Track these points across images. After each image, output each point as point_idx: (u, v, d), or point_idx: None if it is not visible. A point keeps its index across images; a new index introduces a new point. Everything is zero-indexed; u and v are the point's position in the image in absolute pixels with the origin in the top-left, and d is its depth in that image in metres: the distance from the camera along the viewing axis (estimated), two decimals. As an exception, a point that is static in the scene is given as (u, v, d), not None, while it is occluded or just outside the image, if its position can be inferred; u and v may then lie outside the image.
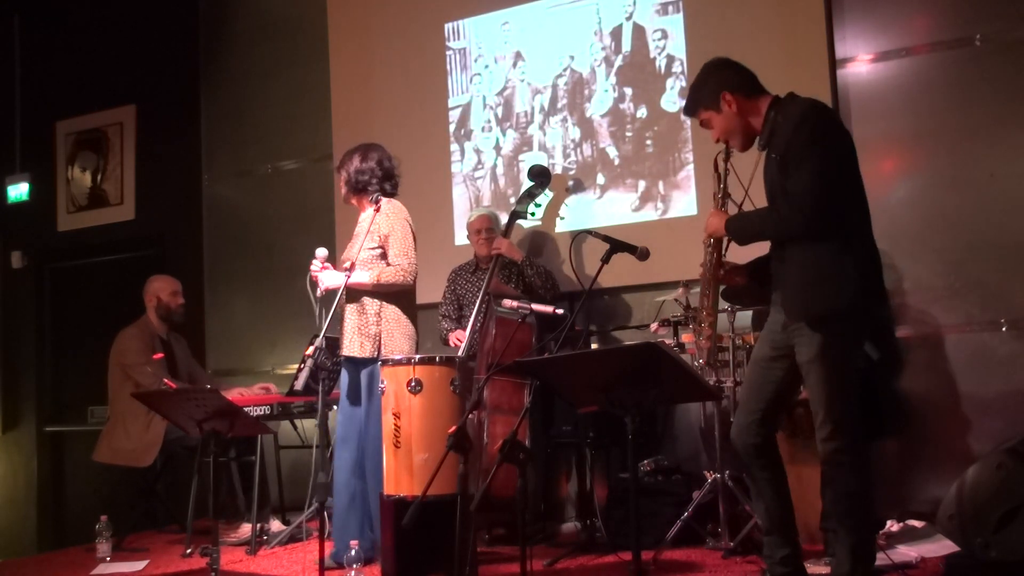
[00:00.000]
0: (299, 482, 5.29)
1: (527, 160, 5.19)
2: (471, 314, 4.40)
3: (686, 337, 4.04)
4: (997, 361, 4.21)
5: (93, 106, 6.81)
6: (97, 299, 6.70)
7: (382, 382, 3.54)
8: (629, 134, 5.05)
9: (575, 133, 5.19)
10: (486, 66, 5.46)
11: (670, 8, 4.96)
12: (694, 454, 4.52)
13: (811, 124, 2.77)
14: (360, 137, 5.49)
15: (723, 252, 3.03)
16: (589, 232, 3.47)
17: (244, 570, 4.03)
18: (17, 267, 7.02)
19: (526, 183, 4.89)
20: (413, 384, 3.44)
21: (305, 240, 5.90)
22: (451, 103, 5.54)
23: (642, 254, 3.32)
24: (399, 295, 3.91)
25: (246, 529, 4.60)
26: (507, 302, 3.95)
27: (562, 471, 4.96)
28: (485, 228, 4.76)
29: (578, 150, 5.18)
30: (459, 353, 4.09)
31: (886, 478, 4.25)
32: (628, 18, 5.09)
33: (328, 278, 3.78)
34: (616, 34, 5.12)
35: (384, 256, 3.90)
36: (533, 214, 4.74)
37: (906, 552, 3.47)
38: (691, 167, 4.87)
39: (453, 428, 2.73)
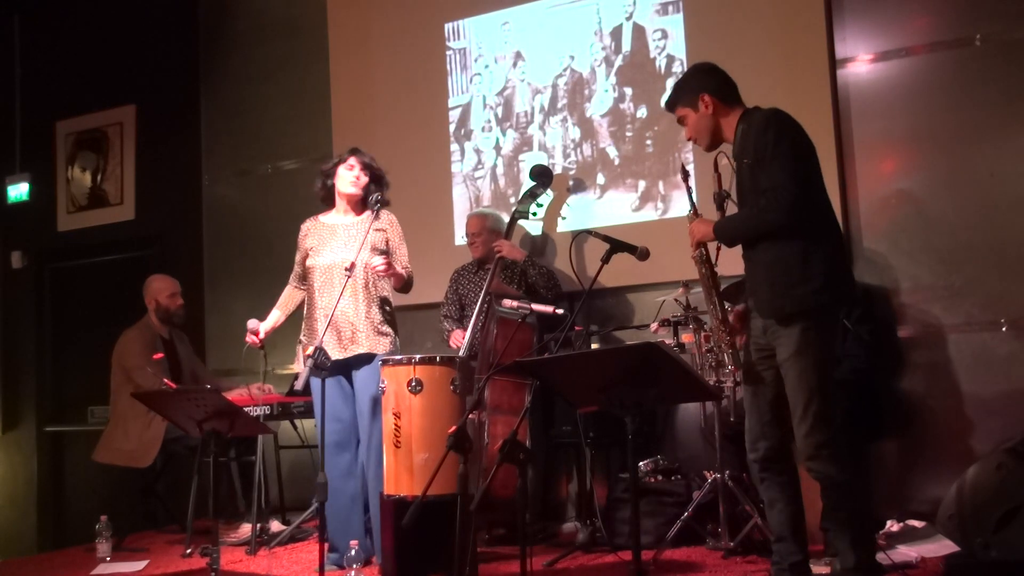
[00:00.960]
0: (299, 482, 5.29)
1: (527, 160, 5.20)
2: (473, 314, 4.40)
3: (686, 337, 4.04)
4: (997, 361, 4.21)
5: (93, 106, 6.81)
6: (97, 299, 6.70)
7: (382, 382, 3.54)
8: (629, 134, 5.05)
9: (575, 133, 5.19)
10: (486, 66, 5.46)
11: (670, 8, 4.96)
12: (694, 454, 4.52)
13: (775, 127, 2.91)
14: (360, 137, 5.51)
15: (715, 261, 3.12)
16: (589, 232, 3.47)
17: (244, 570, 4.03)
18: (17, 267, 7.02)
19: (527, 183, 4.89)
20: (413, 384, 3.44)
21: (305, 240, 5.93)
22: (451, 103, 5.55)
23: (642, 254, 3.32)
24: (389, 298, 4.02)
25: (246, 529, 4.60)
26: (507, 302, 3.95)
27: (562, 471, 4.96)
28: (476, 232, 4.73)
29: (578, 150, 5.18)
30: (459, 353, 4.10)
31: (886, 478, 4.25)
32: (628, 18, 5.09)
33: (379, 261, 3.77)
34: (616, 34, 5.12)
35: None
36: (535, 214, 4.75)
37: (906, 552, 3.47)
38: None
39: (453, 428, 2.73)
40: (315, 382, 3.82)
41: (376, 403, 3.72)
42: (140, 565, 4.23)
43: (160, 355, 4.95)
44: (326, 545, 3.51)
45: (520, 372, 3.80)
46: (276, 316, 4.11)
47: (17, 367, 6.96)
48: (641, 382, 2.80)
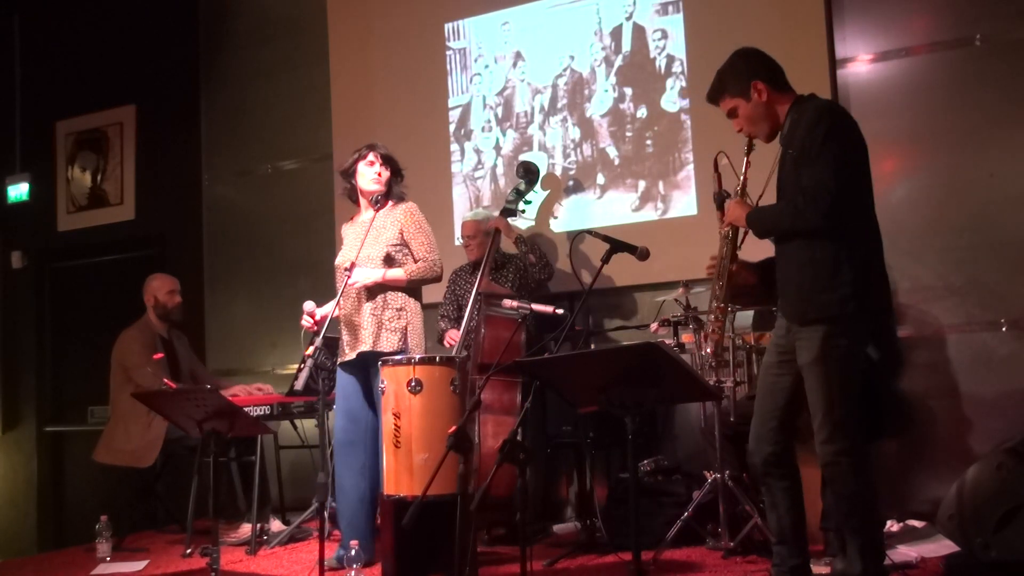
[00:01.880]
0: (299, 482, 5.30)
1: (525, 160, 5.19)
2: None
3: (686, 337, 4.04)
4: (997, 361, 4.21)
5: (93, 106, 6.81)
6: (97, 299, 6.70)
7: (382, 382, 3.54)
8: (629, 134, 5.05)
9: (575, 133, 5.19)
10: (486, 66, 5.46)
11: (670, 8, 4.96)
12: (694, 454, 4.52)
13: (828, 123, 2.77)
14: (360, 137, 5.48)
15: (739, 245, 3.03)
16: (589, 232, 3.47)
17: (244, 570, 4.03)
18: (17, 267, 7.02)
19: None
20: (413, 384, 3.43)
21: (305, 240, 5.95)
22: (451, 103, 5.55)
23: (642, 254, 3.32)
24: (416, 291, 3.94)
25: (246, 529, 4.60)
26: (507, 302, 3.96)
27: (562, 471, 4.96)
28: (471, 234, 4.75)
29: (578, 150, 5.18)
30: (452, 353, 4.10)
31: (886, 478, 4.25)
32: (628, 18, 5.09)
33: (362, 275, 3.75)
34: (616, 34, 5.12)
35: (405, 254, 3.90)
36: (523, 211, 4.73)
37: (906, 552, 3.47)
38: (691, 167, 4.88)
39: (453, 428, 2.73)
40: (339, 377, 3.82)
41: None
42: (140, 565, 4.22)
43: (160, 355, 4.94)
44: (327, 545, 3.51)
45: (519, 372, 3.81)
46: (333, 305, 3.92)
47: (17, 367, 6.96)
48: (641, 382, 2.79)
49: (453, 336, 4.54)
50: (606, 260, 3.24)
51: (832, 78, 4.53)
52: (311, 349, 3.56)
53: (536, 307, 3.94)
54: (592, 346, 4.73)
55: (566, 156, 5.20)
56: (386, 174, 3.94)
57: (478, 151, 5.46)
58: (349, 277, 3.69)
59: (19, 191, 7.09)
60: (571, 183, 5.15)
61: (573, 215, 5.06)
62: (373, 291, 3.82)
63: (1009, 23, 4.26)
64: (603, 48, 5.14)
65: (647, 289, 4.74)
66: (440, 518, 3.02)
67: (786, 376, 2.89)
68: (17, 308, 7.04)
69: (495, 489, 3.53)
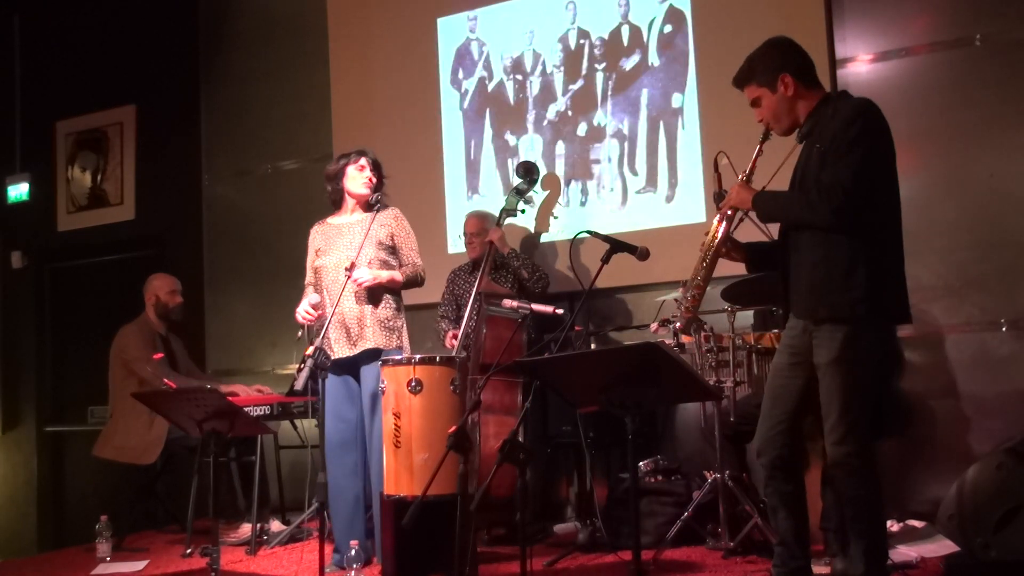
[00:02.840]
0: (299, 482, 5.28)
1: (526, 159, 5.19)
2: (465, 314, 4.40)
3: (686, 337, 4.03)
4: (997, 361, 4.21)
5: (93, 106, 6.81)
6: (97, 299, 6.70)
7: (382, 382, 3.54)
8: (630, 134, 5.04)
9: (577, 133, 5.19)
10: (486, 65, 5.46)
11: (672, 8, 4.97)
12: (694, 454, 4.52)
13: (863, 122, 2.75)
14: (360, 137, 5.51)
15: (734, 227, 3.00)
16: (589, 232, 3.47)
17: (244, 570, 4.03)
18: (17, 267, 7.02)
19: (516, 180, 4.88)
20: (413, 384, 3.43)
21: (305, 240, 5.91)
22: (451, 102, 5.54)
23: (642, 254, 3.31)
24: (401, 293, 4.00)
25: (246, 529, 4.60)
26: (507, 302, 3.96)
27: (562, 471, 4.96)
28: (475, 231, 4.75)
29: (579, 150, 5.18)
30: (453, 353, 4.10)
31: (886, 478, 4.22)
32: (628, 18, 5.09)
33: (368, 274, 3.77)
34: (617, 34, 5.12)
35: (394, 257, 3.94)
36: (523, 211, 4.72)
37: (906, 552, 3.47)
38: (695, 167, 4.87)
39: (453, 428, 2.73)
40: (331, 380, 3.82)
41: (375, 400, 3.72)
42: (140, 565, 4.22)
43: (160, 355, 4.95)
44: (327, 545, 3.51)
45: (519, 372, 3.81)
46: (332, 305, 3.89)
47: (17, 367, 6.96)
48: (641, 382, 2.79)
49: (454, 336, 4.54)
50: (606, 260, 3.23)
51: (832, 78, 4.53)
52: (311, 349, 3.55)
53: (536, 307, 3.94)
54: (592, 346, 4.73)
55: (567, 156, 5.20)
56: (375, 180, 4.00)
57: (479, 150, 5.45)
58: (350, 276, 3.70)
59: (19, 191, 7.09)
60: (571, 183, 5.14)
61: (573, 216, 5.06)
62: (372, 291, 3.84)
63: (1009, 23, 4.26)
64: (605, 49, 5.14)
65: (647, 289, 4.74)
66: (440, 518, 3.02)
67: (798, 379, 2.86)
68: (17, 308, 7.04)
69: (495, 489, 3.53)
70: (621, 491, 4.18)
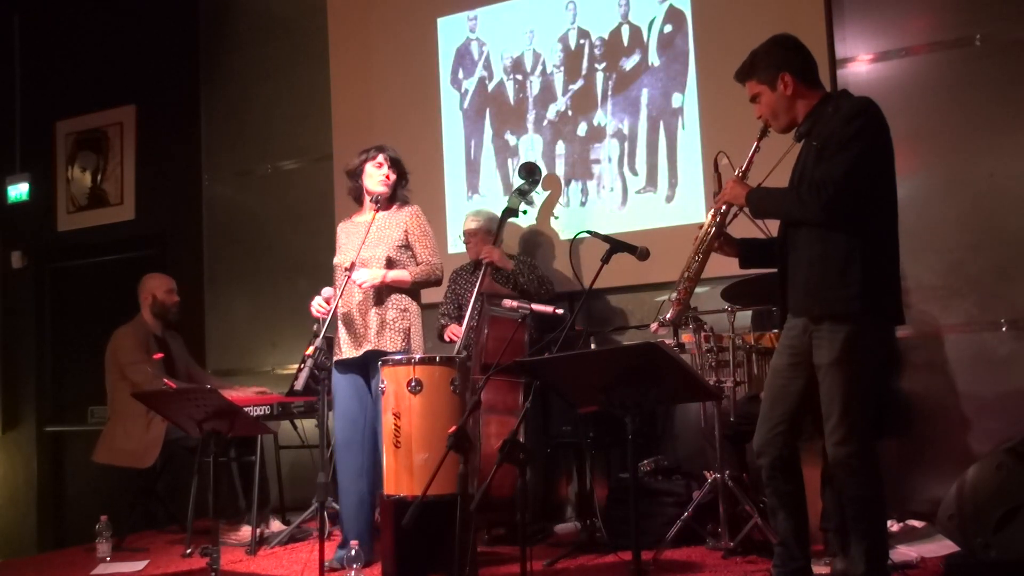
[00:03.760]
0: (299, 482, 5.29)
1: (527, 160, 5.19)
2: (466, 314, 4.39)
3: (686, 337, 4.03)
4: (997, 361, 4.21)
5: (93, 106, 6.81)
6: (97, 299, 6.70)
7: (382, 382, 3.54)
8: (630, 134, 5.05)
9: (577, 132, 5.19)
10: (487, 66, 5.46)
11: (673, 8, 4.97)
12: (694, 454, 4.52)
13: (862, 121, 2.76)
14: (360, 136, 5.51)
15: (727, 222, 3.01)
16: (589, 232, 3.47)
17: (244, 570, 4.03)
18: (17, 267, 7.02)
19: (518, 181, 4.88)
20: (413, 384, 3.43)
21: (305, 240, 5.94)
22: (451, 102, 5.54)
23: (642, 254, 3.32)
24: (417, 294, 3.97)
25: (246, 529, 4.60)
26: (507, 302, 3.95)
27: (562, 471, 4.96)
28: (471, 232, 4.73)
29: (579, 150, 5.18)
30: (454, 350, 4.10)
31: (886, 478, 4.22)
32: (628, 18, 5.09)
33: (367, 274, 3.75)
34: (617, 34, 5.12)
35: (409, 256, 3.92)
36: (525, 212, 4.72)
37: (906, 552, 3.47)
38: (695, 168, 4.87)
39: (453, 428, 2.73)
40: (335, 378, 3.82)
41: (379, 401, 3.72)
42: (140, 565, 4.22)
43: (160, 355, 4.94)
44: (327, 545, 3.51)
45: (520, 372, 3.81)
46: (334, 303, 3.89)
47: (17, 367, 6.96)
48: (641, 382, 2.79)
49: (454, 330, 4.53)
50: (606, 260, 3.24)
51: (832, 78, 4.53)
52: (311, 349, 3.55)
53: (536, 307, 3.94)
54: (592, 346, 4.73)
55: (567, 156, 5.20)
56: (393, 177, 3.97)
57: (479, 150, 5.45)
58: (350, 277, 3.69)
59: (19, 191, 7.08)
60: (571, 183, 5.14)
61: (574, 216, 5.06)
62: (379, 291, 3.83)
63: (1009, 23, 4.26)
64: (605, 49, 5.14)
65: (647, 289, 4.74)
66: (440, 518, 3.02)
67: (798, 380, 2.86)
68: (17, 308, 7.04)
69: (495, 489, 3.52)
70: (621, 491, 4.18)
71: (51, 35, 7.04)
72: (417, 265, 3.91)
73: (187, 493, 4.74)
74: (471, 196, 5.44)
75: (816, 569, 3.18)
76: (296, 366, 4.78)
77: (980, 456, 3.65)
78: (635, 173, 5.02)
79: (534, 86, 5.32)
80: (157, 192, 6.59)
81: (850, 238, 2.72)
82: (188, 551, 4.44)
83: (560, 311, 3.97)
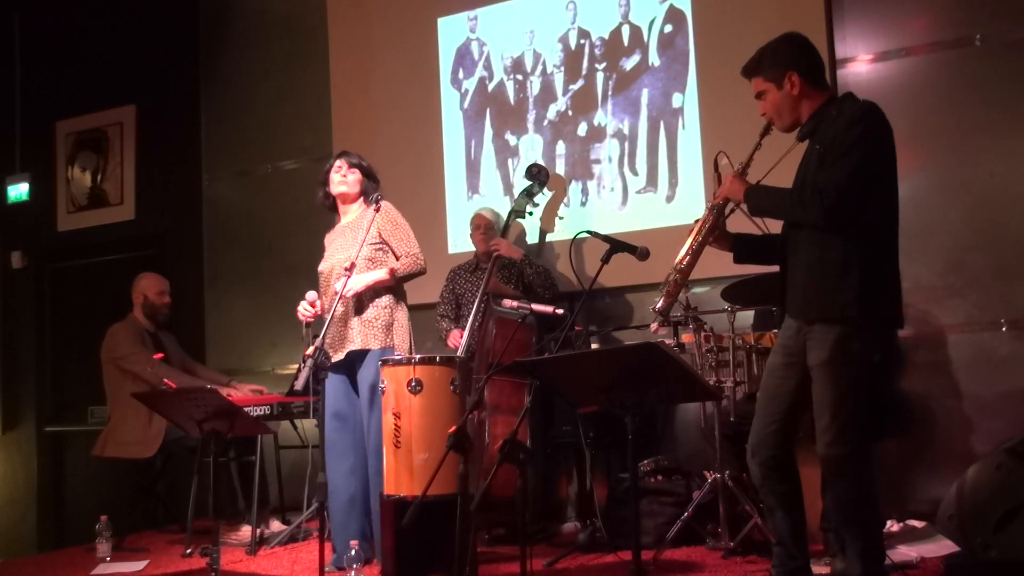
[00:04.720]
0: (299, 482, 5.28)
1: (527, 160, 5.19)
2: (469, 313, 4.40)
3: (686, 337, 4.04)
4: (997, 361, 4.21)
5: (93, 106, 6.81)
6: (97, 299, 6.68)
7: (382, 382, 3.54)
8: (631, 134, 5.05)
9: (577, 132, 5.19)
10: (487, 65, 5.46)
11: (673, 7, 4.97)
12: (694, 454, 4.52)
13: (865, 125, 2.74)
14: (360, 137, 5.52)
15: (724, 218, 3.01)
16: (589, 232, 3.47)
17: (244, 570, 4.03)
18: (17, 267, 7.02)
19: (525, 182, 4.89)
20: (413, 384, 3.43)
21: (305, 240, 5.92)
22: (452, 102, 5.54)
23: (642, 254, 3.31)
24: (401, 290, 3.97)
25: (246, 529, 4.60)
26: (507, 302, 3.95)
27: (562, 471, 4.96)
28: (484, 225, 4.77)
29: (579, 150, 5.18)
30: (458, 353, 4.09)
31: (886, 478, 4.25)
32: (628, 18, 5.09)
33: (355, 282, 3.75)
34: (617, 34, 5.12)
35: (386, 252, 3.92)
36: (531, 212, 4.74)
37: (906, 552, 3.47)
38: (696, 167, 4.87)
39: (453, 428, 2.73)
40: (328, 379, 3.83)
41: (374, 392, 3.71)
42: (140, 565, 4.22)
43: (160, 355, 4.95)
44: (327, 545, 3.51)
45: (520, 372, 3.81)
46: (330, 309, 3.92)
47: (17, 367, 6.96)
48: (641, 382, 2.79)
49: (456, 338, 4.53)
50: (606, 260, 3.23)
51: (832, 78, 4.52)
52: (311, 349, 3.55)
53: (536, 307, 3.93)
54: (592, 346, 4.73)
55: (568, 156, 5.20)
56: (353, 176, 3.99)
57: (479, 150, 5.45)
58: (349, 276, 3.69)
59: (19, 191, 7.08)
60: (572, 183, 5.14)
61: (574, 216, 5.06)
62: (359, 293, 3.84)
63: (1009, 23, 4.26)
64: (605, 49, 5.14)
65: (647, 289, 4.74)
66: (440, 518, 3.02)
67: (792, 379, 2.86)
68: (17, 308, 7.04)
69: (496, 489, 3.52)
70: (621, 491, 4.18)
71: (51, 35, 7.04)
72: (396, 260, 3.91)
73: (187, 493, 4.74)
74: (471, 196, 5.44)
75: (816, 569, 3.18)
76: (296, 366, 4.78)
77: (980, 456, 3.65)
78: (635, 173, 5.02)
79: (534, 86, 5.32)
80: (157, 192, 6.59)
81: (849, 242, 2.71)
82: (188, 551, 4.44)
83: (560, 311, 3.97)
